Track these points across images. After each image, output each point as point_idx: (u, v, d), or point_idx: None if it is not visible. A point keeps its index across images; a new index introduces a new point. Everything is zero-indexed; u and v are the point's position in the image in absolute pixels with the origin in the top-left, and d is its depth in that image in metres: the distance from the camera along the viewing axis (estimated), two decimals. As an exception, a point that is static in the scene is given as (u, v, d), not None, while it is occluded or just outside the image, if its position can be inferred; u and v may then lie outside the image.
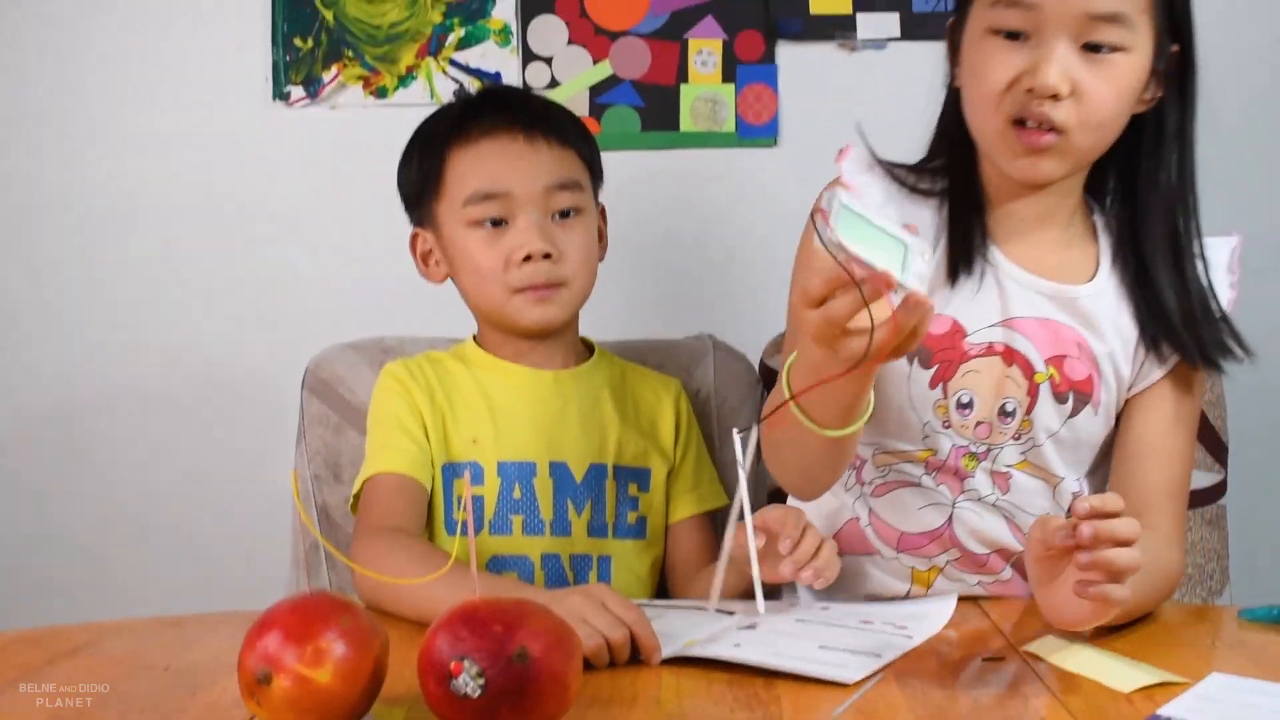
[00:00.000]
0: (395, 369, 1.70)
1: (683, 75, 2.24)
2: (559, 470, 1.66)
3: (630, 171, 2.17)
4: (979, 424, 1.46)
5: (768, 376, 1.93)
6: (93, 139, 2.29)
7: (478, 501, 1.63)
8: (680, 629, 1.31)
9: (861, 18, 2.20)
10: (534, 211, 1.64)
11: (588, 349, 1.78)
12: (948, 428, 1.47)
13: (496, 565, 1.63)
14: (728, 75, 2.23)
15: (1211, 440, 1.92)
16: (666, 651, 1.22)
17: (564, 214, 1.66)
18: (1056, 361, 1.45)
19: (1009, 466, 1.48)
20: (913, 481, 1.49)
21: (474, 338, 1.76)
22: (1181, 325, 1.43)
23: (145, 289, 2.29)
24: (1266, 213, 2.22)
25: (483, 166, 1.65)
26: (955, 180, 1.46)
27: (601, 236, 1.76)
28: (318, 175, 2.28)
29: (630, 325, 2.04)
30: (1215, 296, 1.46)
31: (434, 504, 1.64)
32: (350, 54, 2.26)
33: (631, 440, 1.72)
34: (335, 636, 1.01)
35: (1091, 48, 1.32)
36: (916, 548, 1.51)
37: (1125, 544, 1.13)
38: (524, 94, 1.82)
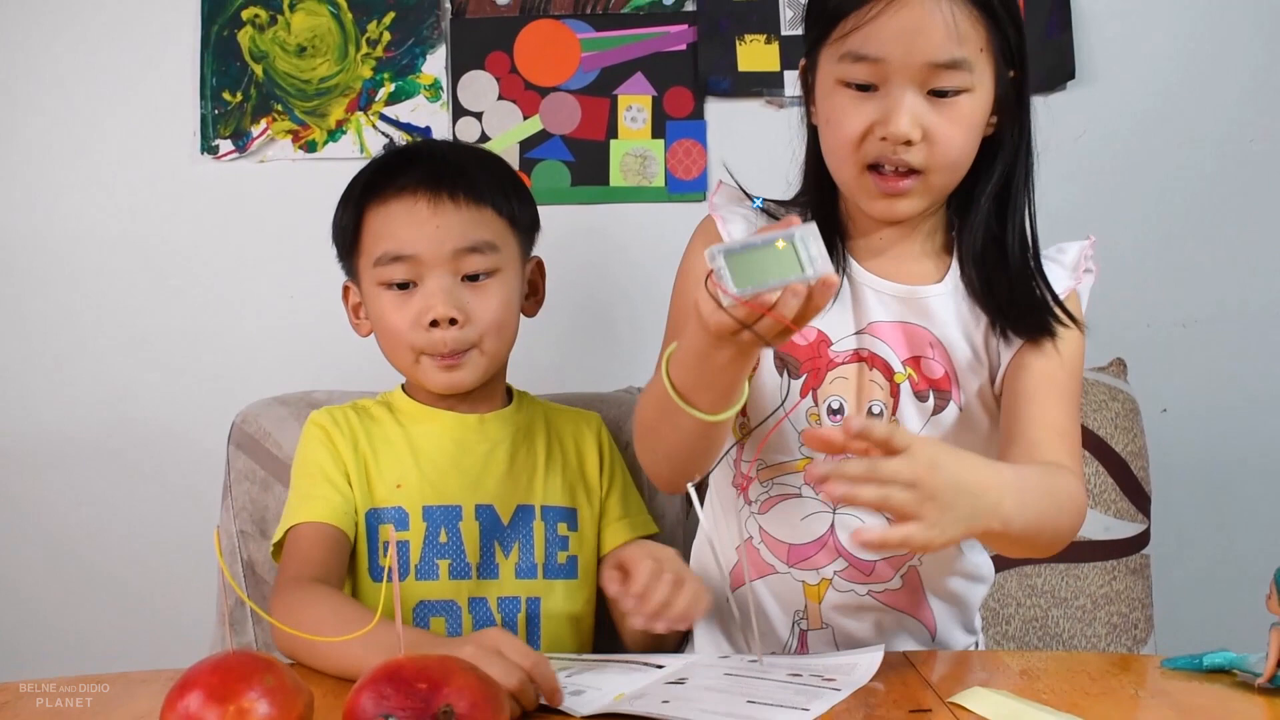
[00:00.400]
0: (320, 418, 1.69)
1: (613, 131, 2.26)
2: (485, 513, 1.65)
3: (560, 226, 2.17)
4: None
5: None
6: (20, 189, 2.27)
7: (403, 546, 1.62)
8: (608, 682, 1.30)
9: (788, 75, 2.24)
10: (442, 275, 1.61)
11: (508, 393, 1.78)
12: None
13: (423, 610, 1.61)
14: (657, 131, 2.25)
15: (1134, 490, 1.94)
16: (594, 706, 1.22)
17: (474, 277, 1.64)
18: (913, 362, 1.51)
19: None
20: (794, 493, 1.53)
21: (402, 386, 1.75)
22: (1008, 308, 1.49)
23: (72, 341, 2.27)
24: (1187, 272, 2.27)
25: (391, 228, 1.63)
26: (817, 213, 1.52)
27: (536, 290, 1.75)
28: (246, 228, 2.27)
29: (561, 378, 2.05)
30: (1046, 284, 1.50)
31: (358, 552, 1.63)
32: (280, 108, 2.26)
33: (558, 479, 1.71)
34: (258, 696, 1.00)
35: (937, 93, 1.40)
36: (805, 558, 1.54)
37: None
38: (445, 149, 1.76)
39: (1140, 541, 1.94)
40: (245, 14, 2.26)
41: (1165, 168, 2.26)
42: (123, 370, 2.27)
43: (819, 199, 1.54)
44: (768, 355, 1.51)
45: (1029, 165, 1.50)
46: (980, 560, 1.63)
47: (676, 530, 1.88)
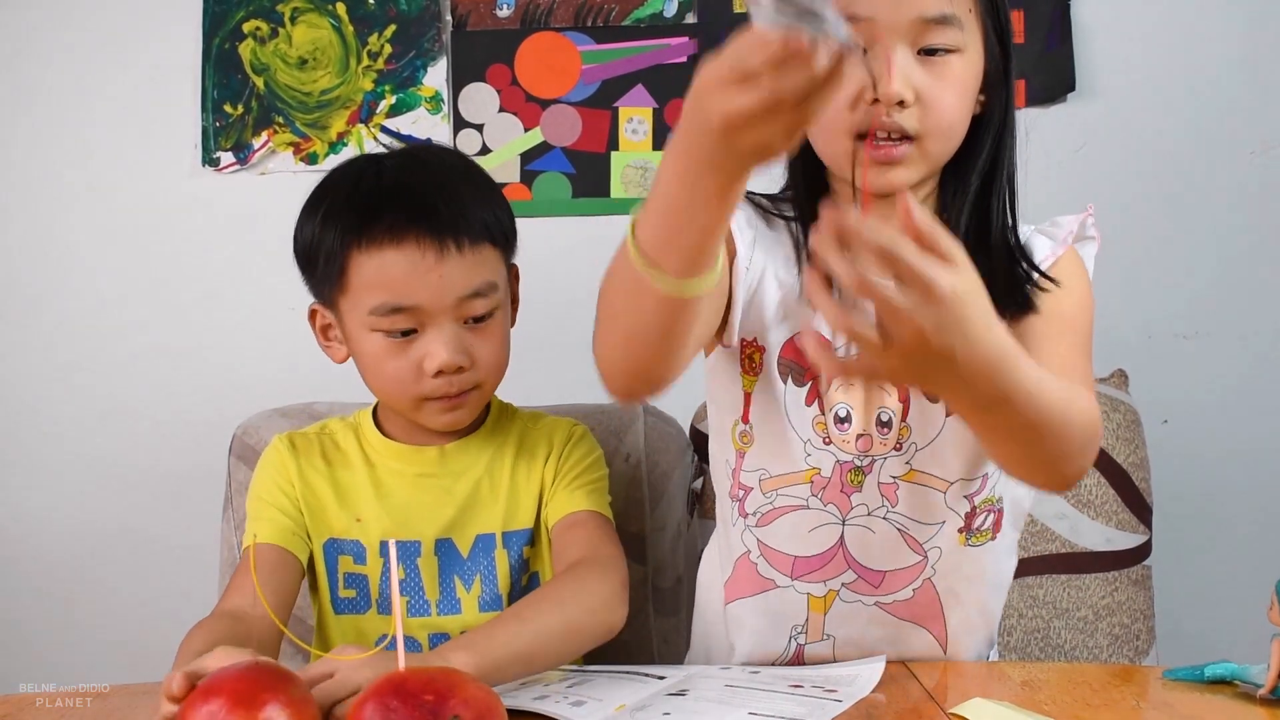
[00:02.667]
0: (281, 444, 1.64)
1: (614, 143, 2.26)
2: (444, 547, 1.62)
3: (561, 237, 2.18)
4: (859, 436, 1.44)
5: (698, 441, 1.94)
6: (21, 201, 2.28)
7: (363, 580, 1.60)
8: (609, 694, 1.30)
9: (789, 87, 2.24)
10: (446, 324, 1.53)
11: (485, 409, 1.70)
12: (829, 444, 1.45)
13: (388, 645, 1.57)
14: (658, 143, 2.26)
15: (1136, 502, 1.94)
16: (595, 718, 1.22)
17: (478, 319, 1.56)
18: None
19: (895, 478, 1.45)
20: (800, 505, 1.46)
21: (374, 409, 1.69)
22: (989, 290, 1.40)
23: (74, 351, 2.27)
24: (1188, 283, 2.27)
25: (389, 278, 1.50)
26: (806, 206, 1.46)
27: (515, 299, 1.66)
28: (247, 240, 2.28)
29: (561, 391, 2.04)
30: (1026, 260, 1.43)
31: (319, 583, 1.61)
32: (281, 120, 2.26)
33: (521, 501, 1.65)
34: (280, 707, 1.00)
35: (928, 52, 1.35)
36: (811, 571, 1.47)
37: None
38: (424, 174, 1.58)
39: (1142, 552, 1.94)
40: (247, 27, 2.27)
41: (1165, 179, 2.27)
42: (124, 381, 2.27)
43: (807, 191, 1.46)
44: (771, 362, 1.44)
45: (1012, 145, 1.44)
46: (1005, 566, 1.54)
47: (678, 543, 1.88)
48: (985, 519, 1.46)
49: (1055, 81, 2.23)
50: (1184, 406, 2.25)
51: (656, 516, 1.85)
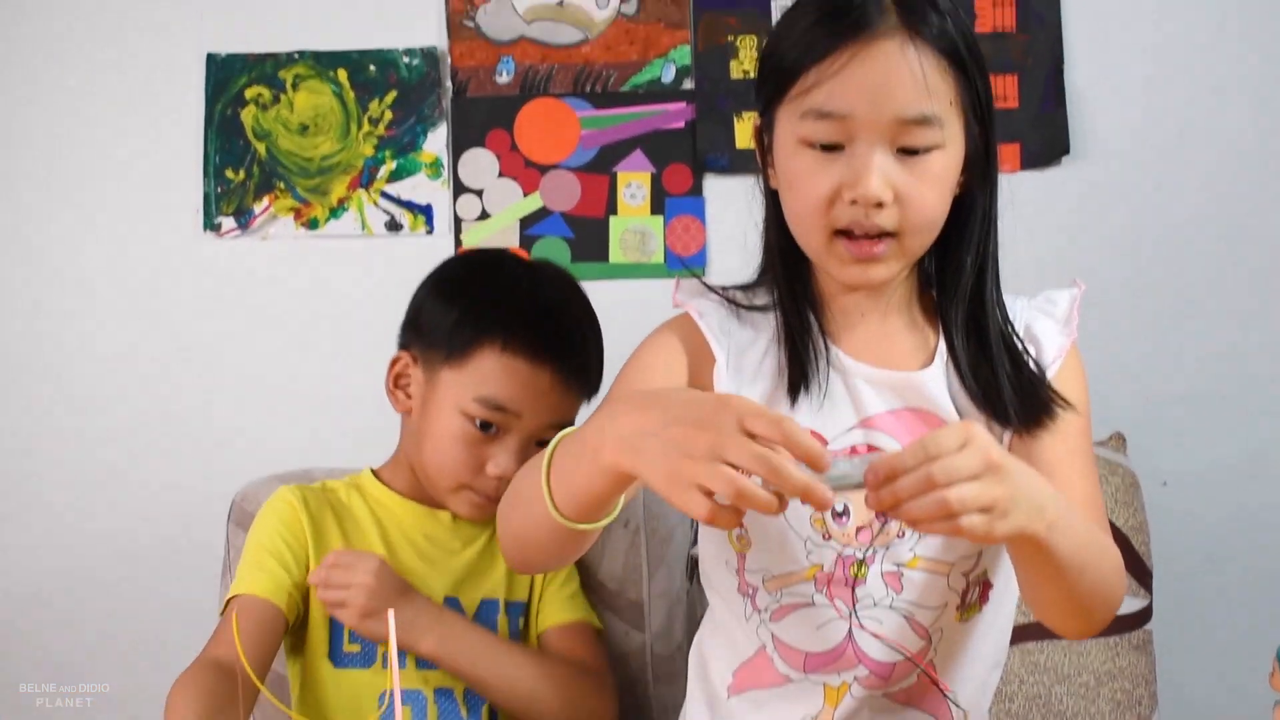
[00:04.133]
0: (287, 494, 1.68)
1: (612, 207, 2.27)
2: (450, 605, 1.65)
3: (560, 302, 2.18)
4: (859, 529, 1.41)
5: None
6: (22, 265, 2.28)
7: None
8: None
9: (787, 152, 2.25)
10: (526, 438, 1.64)
11: None
12: (829, 539, 1.41)
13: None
14: (656, 207, 2.27)
15: (1136, 565, 1.94)
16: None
17: (543, 442, 1.59)
18: None
19: (900, 565, 1.42)
20: (806, 602, 1.43)
21: (373, 470, 1.75)
22: (996, 396, 1.40)
23: (73, 417, 2.27)
24: (1186, 345, 2.27)
25: (510, 383, 1.63)
26: (786, 292, 1.44)
27: None
28: (248, 305, 2.28)
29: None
30: (1028, 359, 1.43)
31: (314, 636, 1.63)
32: (282, 185, 2.28)
33: (518, 575, 1.72)
34: None
35: (907, 151, 1.32)
36: (823, 666, 1.44)
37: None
38: (578, 318, 1.74)
39: (1143, 617, 1.93)
40: (249, 93, 2.28)
41: (1160, 241, 2.27)
42: (123, 447, 2.27)
43: (786, 272, 1.44)
44: None
45: (995, 231, 1.42)
46: (1001, 644, 1.52)
47: (677, 609, 1.87)
48: (974, 593, 1.44)
49: (1050, 145, 2.24)
50: (1183, 469, 2.25)
51: (656, 583, 1.84)
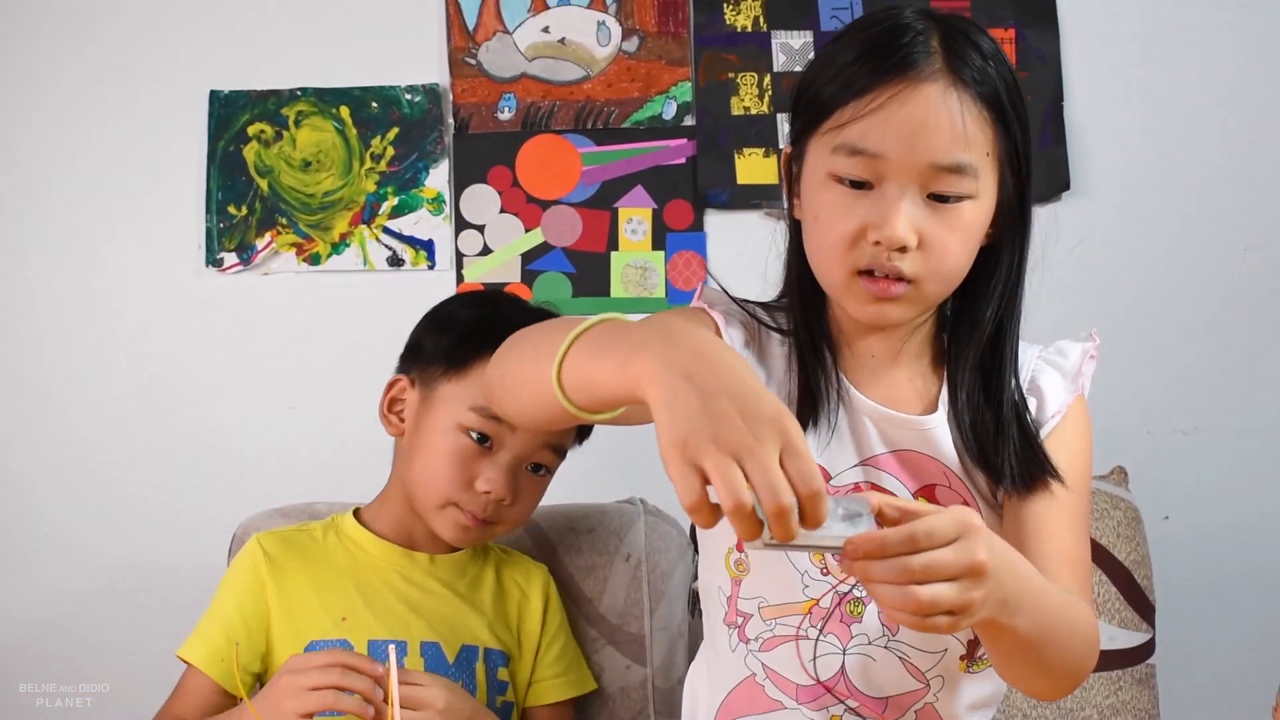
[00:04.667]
0: (255, 550, 1.67)
1: (613, 243, 2.28)
2: (430, 649, 1.63)
3: (562, 337, 2.18)
4: None
5: (698, 541, 1.93)
6: (25, 301, 2.29)
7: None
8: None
9: (787, 187, 2.27)
10: (516, 455, 1.63)
11: None
12: (826, 574, 1.39)
13: None
14: (658, 243, 2.28)
15: (1138, 599, 1.93)
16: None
17: (536, 468, 1.67)
18: (927, 492, 1.40)
19: None
20: (800, 635, 1.40)
21: (355, 511, 1.74)
22: (998, 458, 1.38)
23: (75, 451, 2.27)
24: (1186, 378, 2.27)
25: None
26: (802, 322, 1.42)
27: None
28: (250, 340, 2.29)
29: (560, 490, 2.04)
30: (1030, 423, 1.40)
31: None
32: (284, 221, 2.29)
33: (500, 626, 1.71)
34: None
35: (938, 197, 1.28)
36: (814, 699, 1.41)
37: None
38: None
39: (1145, 651, 1.92)
40: (251, 130, 2.30)
41: (1161, 276, 2.28)
42: (126, 480, 2.27)
43: (803, 304, 1.41)
44: None
45: (1021, 288, 1.39)
46: (998, 688, 1.48)
47: (679, 643, 1.87)
48: None
49: (1050, 180, 2.25)
50: (1184, 502, 2.25)
51: (657, 617, 1.84)
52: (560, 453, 1.68)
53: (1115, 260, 2.28)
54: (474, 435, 1.62)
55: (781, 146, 2.27)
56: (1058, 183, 2.26)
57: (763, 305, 1.46)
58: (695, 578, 1.92)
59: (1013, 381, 1.40)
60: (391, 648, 1.24)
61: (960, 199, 1.29)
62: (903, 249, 1.28)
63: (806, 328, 1.41)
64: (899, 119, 1.26)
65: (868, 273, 1.30)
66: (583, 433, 1.73)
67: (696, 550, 1.94)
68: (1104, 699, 1.90)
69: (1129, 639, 1.91)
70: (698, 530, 1.51)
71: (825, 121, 1.30)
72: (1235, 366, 2.28)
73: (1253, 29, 2.32)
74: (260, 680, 1.63)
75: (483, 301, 1.81)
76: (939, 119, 1.26)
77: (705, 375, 1.01)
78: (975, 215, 1.31)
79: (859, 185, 1.29)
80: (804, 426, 1.36)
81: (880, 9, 1.36)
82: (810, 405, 1.39)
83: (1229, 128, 2.30)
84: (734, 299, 1.45)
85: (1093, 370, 1.46)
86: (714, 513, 1.00)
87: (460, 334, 1.67)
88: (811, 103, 1.33)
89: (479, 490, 1.62)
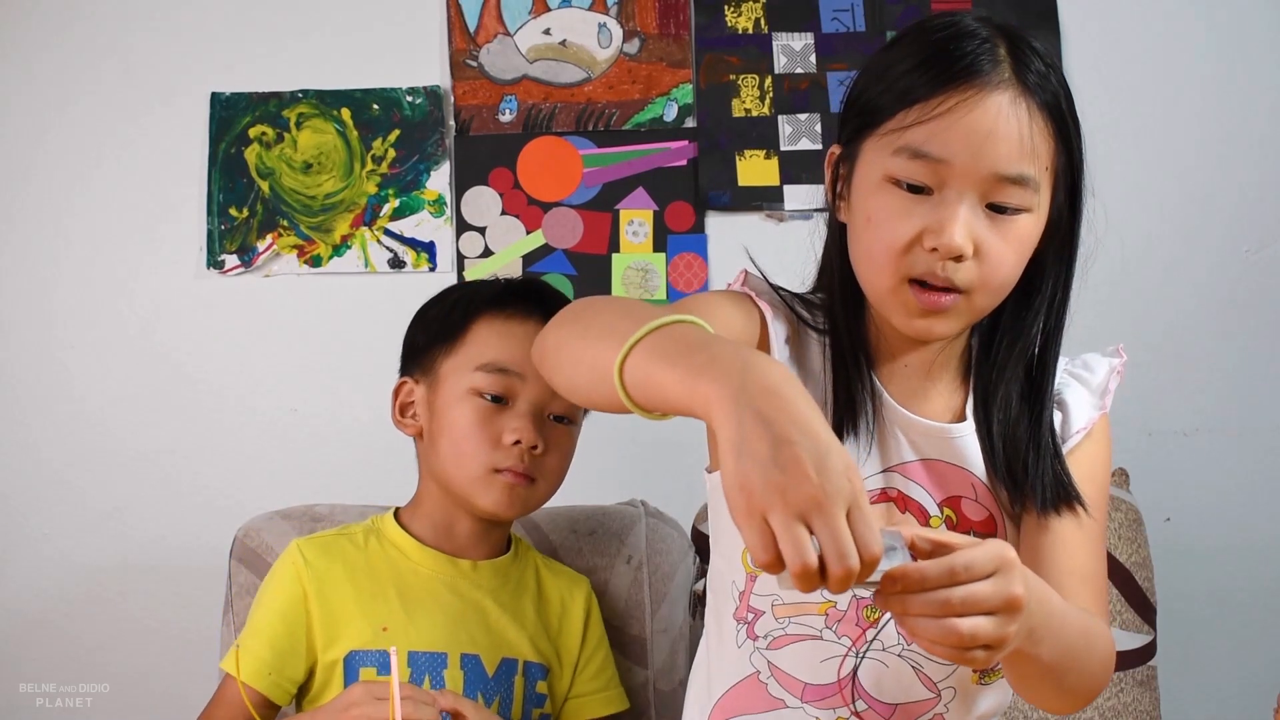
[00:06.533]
0: (296, 556, 1.65)
1: (614, 245, 2.28)
2: (470, 662, 1.62)
3: (563, 338, 2.18)
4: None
5: (700, 542, 1.93)
6: (26, 303, 2.29)
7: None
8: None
9: (788, 189, 2.27)
10: (535, 403, 1.64)
11: (508, 541, 1.76)
12: None
13: None
14: (659, 245, 2.28)
15: (1139, 601, 1.93)
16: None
17: (559, 418, 1.67)
18: (952, 503, 1.38)
19: None
20: (813, 634, 1.38)
21: (395, 513, 1.72)
22: (1026, 478, 1.36)
23: (76, 453, 2.27)
24: (1187, 381, 2.27)
25: (507, 342, 1.65)
26: (844, 328, 1.38)
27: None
28: (251, 342, 2.29)
29: (562, 492, 2.04)
30: (1057, 448, 1.37)
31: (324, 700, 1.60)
32: (285, 223, 2.29)
33: (541, 637, 1.69)
34: None
35: (996, 208, 1.26)
36: (821, 699, 1.40)
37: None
38: (562, 297, 1.75)
39: (1147, 653, 1.92)
40: (253, 132, 2.30)
41: (1162, 278, 2.28)
42: (126, 481, 2.27)
43: (845, 310, 1.37)
44: None
45: (1067, 307, 1.36)
46: (1006, 696, 1.47)
47: (680, 645, 1.87)
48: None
49: (1051, 183, 2.26)
50: (1186, 504, 2.25)
51: (659, 619, 1.84)
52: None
53: (1116, 264, 2.26)
54: (488, 397, 1.62)
55: (781, 165, 2.28)
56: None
57: (800, 298, 1.42)
58: (696, 579, 1.92)
59: (1051, 400, 1.38)
60: (392, 650, 1.23)
61: (1018, 211, 1.26)
62: (959, 258, 1.25)
63: (848, 333, 1.37)
64: (966, 124, 1.23)
65: (918, 283, 1.27)
66: None
67: (698, 553, 1.94)
68: (1105, 701, 1.90)
69: (1130, 641, 1.91)
70: (713, 523, 1.50)
71: (887, 122, 1.27)
72: (1236, 368, 2.28)
73: (1254, 33, 2.32)
74: (303, 690, 1.62)
75: (458, 285, 1.83)
76: (1007, 128, 1.24)
77: (778, 418, 0.97)
78: (1030, 229, 1.28)
79: (917, 190, 1.26)
80: (841, 434, 1.34)
81: (939, 15, 1.35)
82: (849, 412, 1.35)
83: (1230, 130, 2.30)
84: (775, 288, 1.42)
85: (1117, 386, 1.45)
86: (778, 565, 0.97)
87: (443, 311, 1.70)
88: (870, 102, 1.30)
89: (508, 443, 1.61)
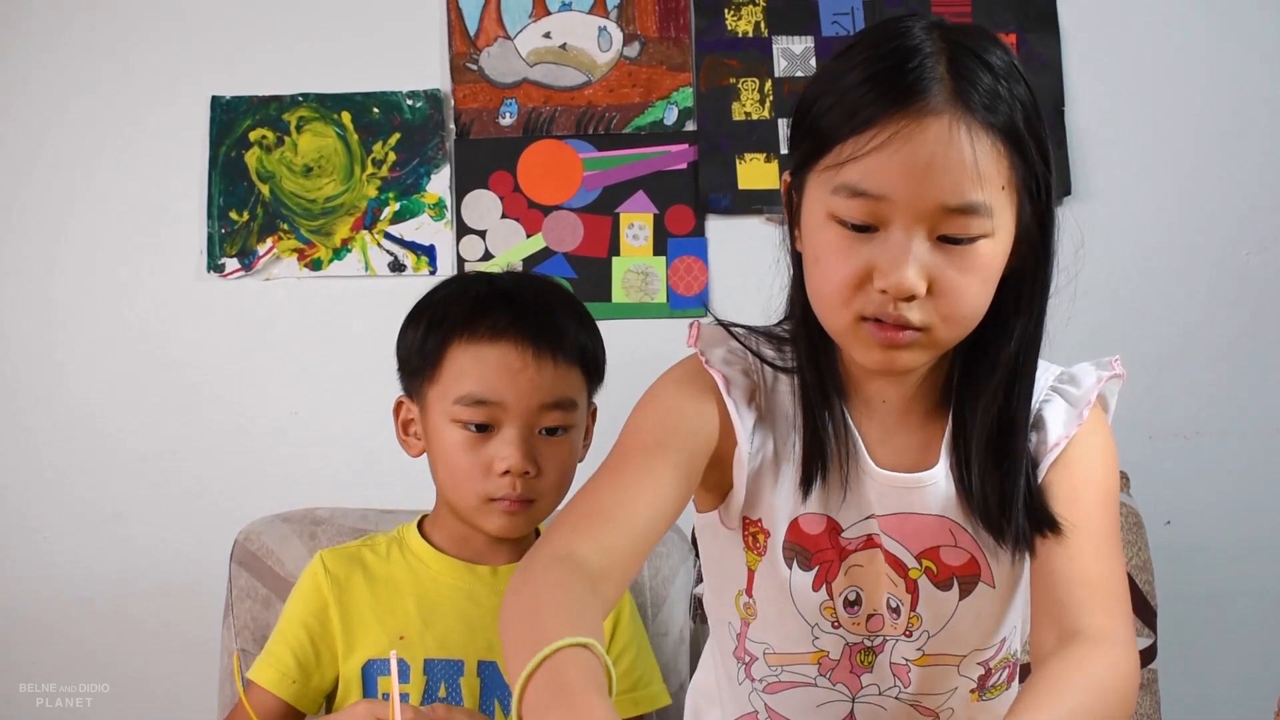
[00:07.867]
0: (319, 568, 1.65)
1: (615, 248, 2.28)
2: (487, 669, 1.62)
3: (563, 342, 2.18)
4: (871, 616, 1.32)
5: (707, 575, 1.92)
6: (27, 306, 2.29)
7: (402, 699, 1.59)
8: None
9: (788, 192, 2.27)
10: (522, 426, 1.59)
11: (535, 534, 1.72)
12: (838, 628, 1.33)
13: None
14: (659, 248, 2.28)
15: (1140, 604, 1.93)
16: None
17: (551, 430, 1.62)
18: (930, 554, 1.31)
19: (908, 660, 1.34)
20: (808, 682, 1.34)
21: (419, 522, 1.71)
22: (1004, 519, 1.27)
23: (76, 456, 2.28)
24: (1188, 384, 2.27)
25: (482, 371, 1.58)
26: (809, 365, 1.29)
27: (587, 435, 1.70)
28: (251, 345, 2.29)
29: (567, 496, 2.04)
30: (1030, 477, 1.28)
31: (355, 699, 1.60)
32: (286, 227, 2.29)
33: None
34: None
35: (948, 239, 1.16)
36: None
37: None
38: (537, 292, 1.67)
39: (1147, 656, 1.92)
40: (253, 135, 2.30)
41: (1163, 282, 2.28)
42: (127, 485, 2.27)
43: (809, 342, 1.28)
44: (776, 546, 1.31)
45: (1043, 321, 1.27)
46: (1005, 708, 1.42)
47: (681, 648, 1.87)
48: (1000, 675, 1.38)
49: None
50: (1186, 507, 2.25)
51: (659, 622, 1.84)
52: (567, 406, 1.61)
53: (1117, 265, 2.28)
54: (471, 427, 1.59)
55: (781, 168, 2.26)
56: (1059, 187, 2.26)
57: (767, 334, 1.34)
58: (697, 583, 1.92)
59: (1027, 430, 1.29)
60: (393, 653, 1.23)
61: (974, 239, 1.16)
62: (910, 298, 1.16)
63: (815, 370, 1.29)
64: (902, 158, 1.13)
65: (875, 319, 1.18)
66: (595, 376, 1.68)
67: (698, 556, 1.94)
68: (1106, 704, 1.89)
69: (1131, 644, 1.91)
70: (704, 563, 1.46)
71: (824, 157, 1.18)
72: (1237, 371, 2.28)
73: (1254, 34, 2.32)
74: (329, 699, 1.62)
75: (444, 283, 1.73)
76: (947, 157, 1.13)
77: None
78: (992, 253, 1.18)
79: (861, 228, 1.17)
80: (810, 481, 1.28)
81: (888, 20, 1.25)
82: (820, 459, 1.28)
83: (1231, 132, 2.30)
84: (734, 334, 1.33)
85: (1118, 389, 1.39)
86: None
87: (419, 337, 1.64)
88: (810, 132, 1.21)
89: (498, 472, 1.58)
